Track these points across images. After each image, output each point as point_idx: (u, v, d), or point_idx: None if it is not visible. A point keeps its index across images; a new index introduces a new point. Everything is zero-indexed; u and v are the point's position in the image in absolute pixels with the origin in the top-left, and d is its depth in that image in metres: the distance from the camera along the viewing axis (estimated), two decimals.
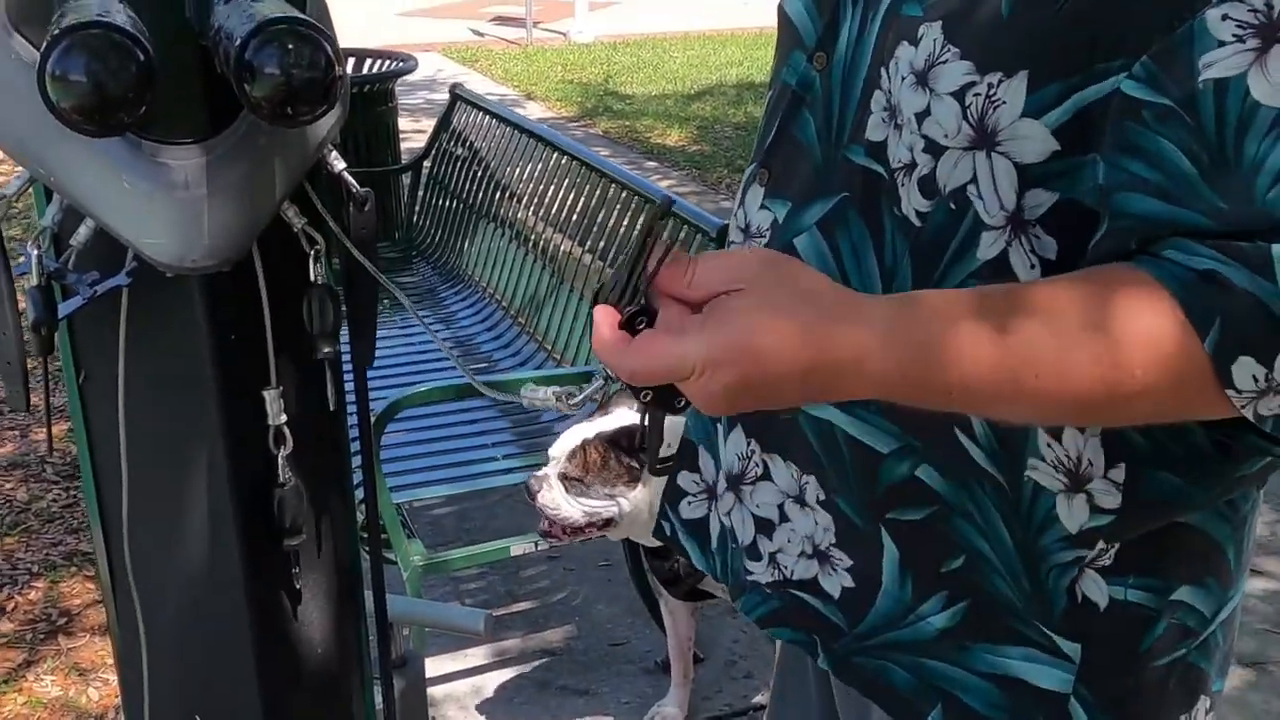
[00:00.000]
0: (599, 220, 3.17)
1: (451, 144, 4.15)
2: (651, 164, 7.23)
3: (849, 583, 1.03)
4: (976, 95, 0.83)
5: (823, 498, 1.03)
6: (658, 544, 2.23)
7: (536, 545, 2.56)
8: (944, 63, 0.85)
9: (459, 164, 4.07)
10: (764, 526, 1.10)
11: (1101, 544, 0.93)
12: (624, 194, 3.08)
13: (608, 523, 2.24)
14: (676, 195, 2.91)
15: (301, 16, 0.77)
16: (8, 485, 3.49)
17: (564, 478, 2.20)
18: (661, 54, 10.52)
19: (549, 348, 3.11)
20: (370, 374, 3.09)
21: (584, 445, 2.21)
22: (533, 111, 8.48)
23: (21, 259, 0.99)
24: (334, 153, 1.08)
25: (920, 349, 0.76)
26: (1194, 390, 0.77)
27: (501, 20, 11.99)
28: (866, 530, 1.01)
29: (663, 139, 7.83)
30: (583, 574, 3.06)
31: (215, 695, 1.16)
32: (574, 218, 3.32)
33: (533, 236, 3.48)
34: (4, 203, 1.01)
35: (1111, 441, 0.89)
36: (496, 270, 3.60)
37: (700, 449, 1.17)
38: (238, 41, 0.76)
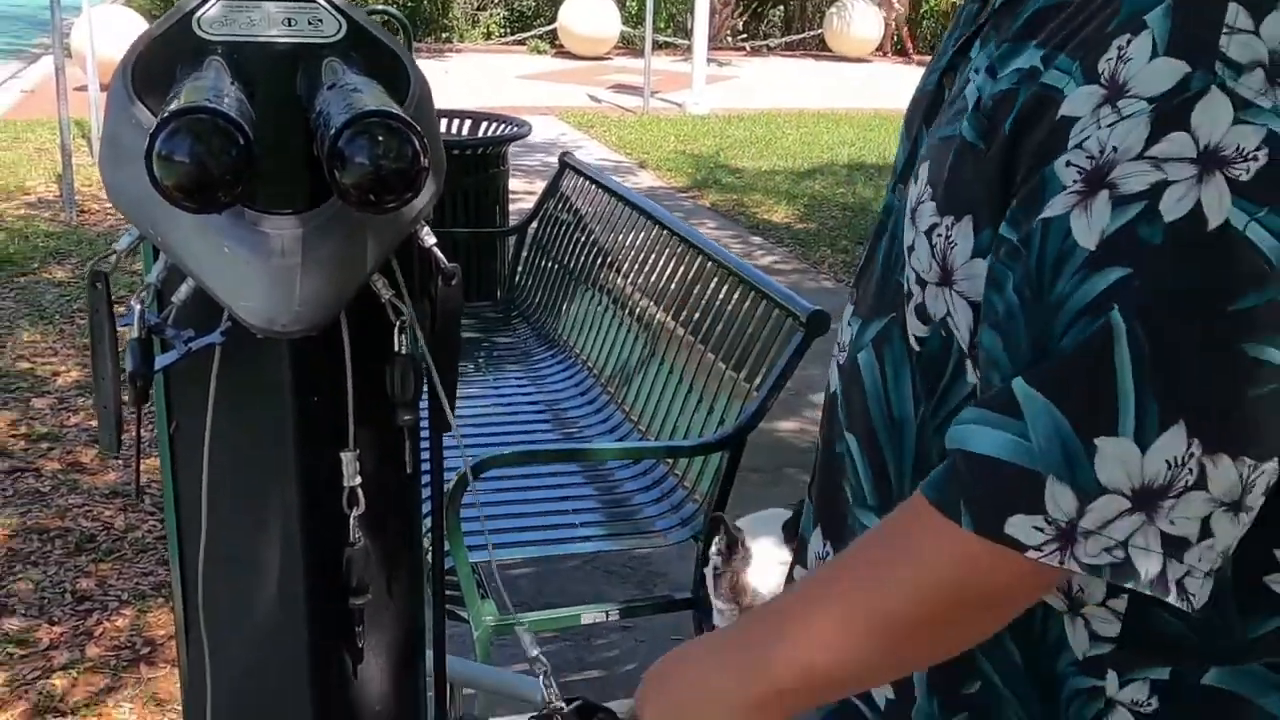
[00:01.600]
0: (694, 294, 3.20)
1: (558, 209, 4.23)
2: (757, 239, 7.27)
3: (891, 695, 1.03)
4: (939, 236, 0.88)
5: None
6: None
7: (608, 615, 2.57)
8: (923, 202, 0.91)
9: (564, 229, 4.14)
10: None
11: (1136, 689, 0.91)
12: (721, 271, 3.10)
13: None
14: (780, 285, 2.92)
15: (395, 111, 0.82)
16: (107, 513, 3.61)
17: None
18: (775, 130, 10.60)
19: (635, 418, 3.13)
20: (449, 438, 3.13)
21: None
22: (644, 180, 8.60)
23: (125, 312, 1.05)
24: (426, 228, 1.12)
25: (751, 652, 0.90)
26: (1000, 572, 0.80)
27: (620, 88, 12.20)
28: None
29: (769, 214, 7.87)
30: (654, 645, 3.05)
31: None
32: (671, 289, 3.36)
33: (629, 305, 3.52)
34: (115, 258, 1.07)
35: None
36: (591, 336, 3.65)
37: (808, 546, 1.20)
38: (333, 130, 0.81)
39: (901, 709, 1.04)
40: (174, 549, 1.20)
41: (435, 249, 1.12)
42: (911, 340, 0.95)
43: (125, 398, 1.07)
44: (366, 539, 1.14)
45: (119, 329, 1.07)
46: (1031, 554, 0.78)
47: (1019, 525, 0.77)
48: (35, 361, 4.75)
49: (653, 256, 3.50)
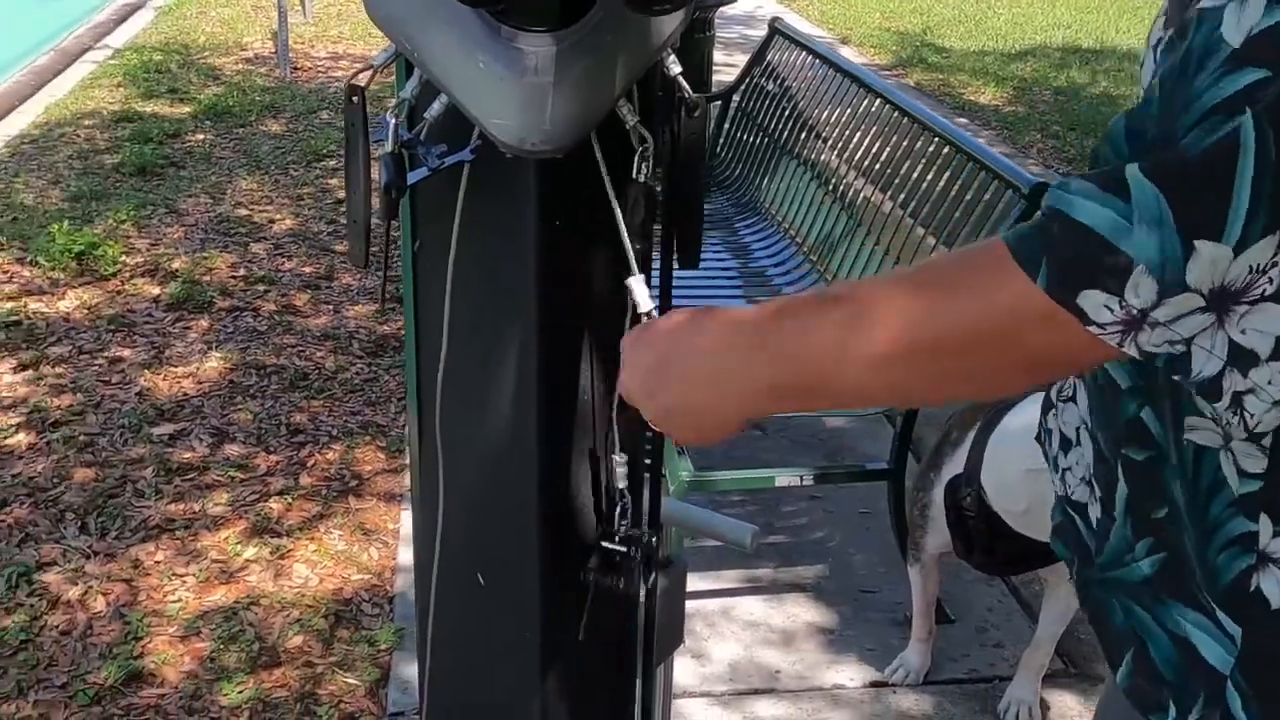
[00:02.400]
0: (903, 170, 3.12)
1: (763, 78, 4.14)
2: (962, 120, 7.02)
3: (1099, 514, 1.05)
4: (1158, 49, 0.86)
5: (1090, 426, 1.06)
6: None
7: (801, 480, 2.58)
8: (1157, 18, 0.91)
9: (768, 99, 4.06)
10: (1065, 444, 1.13)
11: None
12: (933, 144, 3.00)
13: None
14: (1001, 156, 2.81)
15: None
16: (319, 354, 3.78)
17: None
18: (985, 9, 10.14)
19: (829, 280, 3.09)
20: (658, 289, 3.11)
21: None
22: (846, 56, 8.36)
23: (379, 127, 1.07)
24: (672, 56, 1.10)
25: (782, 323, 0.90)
26: (1057, 335, 0.78)
27: None
28: (1110, 464, 1.02)
29: (976, 96, 7.57)
30: (841, 517, 3.05)
31: (500, 559, 1.23)
32: (877, 165, 3.27)
33: (834, 179, 3.45)
34: (371, 72, 1.09)
35: None
36: (793, 207, 3.60)
37: None
38: None
39: (1104, 528, 1.05)
40: (411, 368, 1.24)
41: (680, 78, 1.11)
42: None
43: (374, 212, 1.09)
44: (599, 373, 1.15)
45: (372, 144, 1.10)
46: (1093, 329, 0.77)
47: (1091, 300, 0.76)
48: (253, 209, 4.97)
49: (861, 130, 3.41)
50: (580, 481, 1.21)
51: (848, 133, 3.48)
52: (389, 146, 1.06)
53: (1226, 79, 0.73)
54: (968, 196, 2.75)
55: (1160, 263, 0.74)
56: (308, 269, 4.38)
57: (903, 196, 3.06)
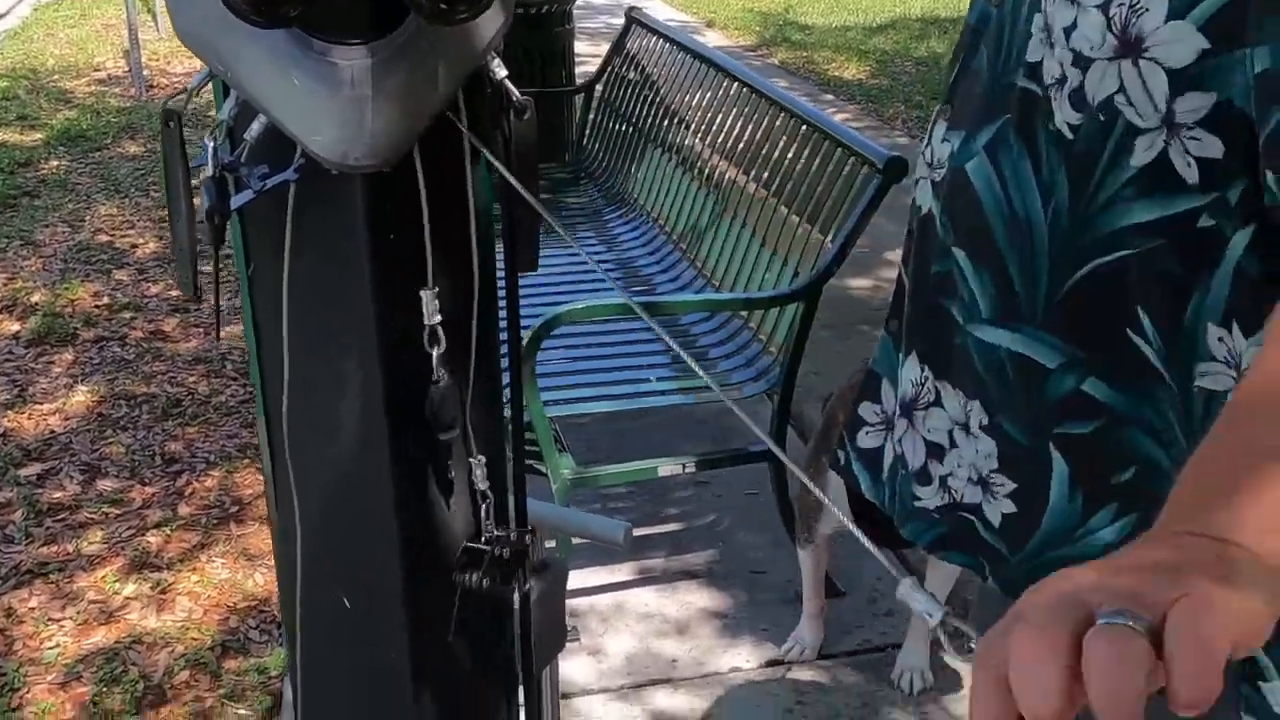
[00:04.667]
0: (765, 149, 3.14)
1: (624, 68, 4.15)
2: (828, 96, 7.11)
3: (1010, 508, 1.05)
4: (1120, 6, 0.85)
5: (985, 422, 1.05)
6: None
7: (684, 468, 2.59)
8: None
9: (631, 88, 4.07)
10: (935, 451, 1.12)
11: None
12: (791, 124, 3.04)
13: None
14: (855, 132, 2.86)
15: None
16: (191, 379, 3.69)
17: None
18: None
19: (708, 274, 3.11)
20: (532, 290, 3.17)
21: None
22: (710, 39, 8.41)
23: (199, 153, 1.04)
24: (497, 60, 1.09)
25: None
26: None
27: None
28: (1032, 449, 1.02)
29: (840, 71, 7.68)
30: (729, 500, 3.07)
31: (362, 579, 1.21)
32: (742, 145, 3.30)
33: (699, 163, 3.47)
34: (185, 96, 1.06)
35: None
36: (661, 195, 3.61)
37: (884, 380, 1.19)
38: None
39: (1028, 519, 1.03)
40: (259, 394, 1.21)
41: (507, 81, 1.10)
42: (1064, 129, 0.92)
43: (201, 239, 1.07)
44: (450, 378, 1.14)
45: (192, 169, 1.07)
46: None
47: None
48: (114, 234, 4.82)
49: (722, 113, 3.44)
50: (439, 491, 1.20)
51: (710, 117, 3.50)
52: (209, 171, 1.03)
53: None
54: (827, 172, 2.79)
55: None
56: (175, 292, 4.27)
57: (765, 176, 3.10)
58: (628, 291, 3.11)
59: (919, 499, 1.14)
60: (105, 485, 3.12)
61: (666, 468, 2.52)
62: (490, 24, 1.05)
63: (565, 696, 2.40)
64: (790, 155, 3.00)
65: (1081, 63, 0.89)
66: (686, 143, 3.60)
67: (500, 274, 1.19)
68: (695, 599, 2.72)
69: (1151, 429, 0.96)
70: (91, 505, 3.03)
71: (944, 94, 1.10)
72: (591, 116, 4.31)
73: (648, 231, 3.59)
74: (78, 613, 2.64)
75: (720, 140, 3.41)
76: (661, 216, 3.56)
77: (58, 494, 3.08)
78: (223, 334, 3.93)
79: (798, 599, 2.67)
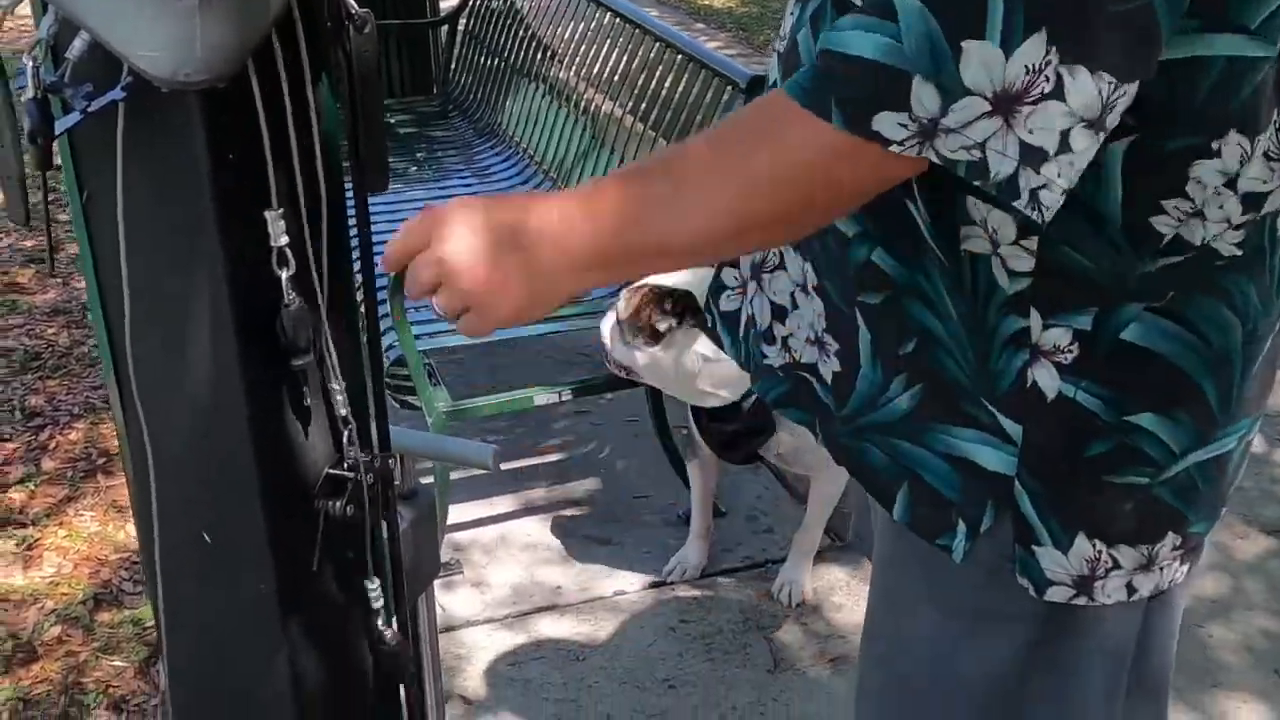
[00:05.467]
0: (639, 82, 3.11)
1: None
2: (699, 25, 7.09)
3: (837, 367, 1.10)
4: None
5: (816, 283, 1.10)
6: (718, 407, 2.24)
7: (560, 396, 2.58)
8: None
9: (497, 19, 4.00)
10: (778, 313, 1.16)
11: (1058, 335, 0.96)
12: (668, 53, 3.01)
13: (629, 369, 2.26)
14: (723, 55, 2.84)
15: None
16: (50, 330, 3.56)
17: (616, 315, 2.24)
18: None
19: None
20: (390, 228, 3.10)
21: (638, 289, 2.21)
22: None
23: (19, 73, 0.99)
24: None
25: (597, 205, 0.94)
26: (863, 163, 0.85)
27: None
28: (846, 314, 1.07)
29: (710, 1, 7.65)
30: (609, 429, 3.08)
31: (222, 514, 1.19)
32: (614, 79, 3.26)
33: (572, 95, 3.42)
34: (0, 12, 1.00)
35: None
36: (534, 128, 3.56)
37: None
38: None
39: (847, 379, 1.10)
40: (100, 328, 1.17)
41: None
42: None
43: (29, 164, 1.02)
44: (301, 300, 1.11)
45: (14, 92, 1.02)
46: (894, 148, 0.83)
47: (885, 121, 0.82)
48: None
49: (594, 46, 3.39)
50: (297, 417, 1.17)
51: (581, 49, 3.45)
52: (30, 92, 0.98)
53: None
54: (695, 96, 2.77)
55: (934, 68, 0.80)
56: (29, 243, 4.10)
57: (633, 105, 3.07)
58: None
59: (766, 357, 1.19)
60: None
61: (542, 397, 2.52)
62: None
63: (449, 629, 2.39)
64: (662, 84, 2.98)
65: None
66: (558, 75, 3.55)
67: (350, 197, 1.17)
68: (578, 527, 2.73)
69: (926, 299, 1.00)
70: None
71: None
72: (457, 50, 4.23)
73: (519, 163, 3.54)
74: None
75: (592, 71, 3.37)
76: (534, 149, 3.52)
77: None
78: (83, 284, 3.79)
79: (680, 521, 2.70)
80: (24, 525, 2.70)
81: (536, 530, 2.71)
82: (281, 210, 1.08)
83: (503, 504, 2.78)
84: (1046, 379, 0.97)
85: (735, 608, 2.47)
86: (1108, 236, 0.92)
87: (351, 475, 1.22)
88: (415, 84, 4.38)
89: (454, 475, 2.64)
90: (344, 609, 1.29)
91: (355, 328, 1.23)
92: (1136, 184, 0.90)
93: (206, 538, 1.20)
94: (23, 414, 3.13)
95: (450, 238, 1.00)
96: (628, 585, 2.54)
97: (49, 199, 1.06)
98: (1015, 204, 0.84)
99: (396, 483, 1.39)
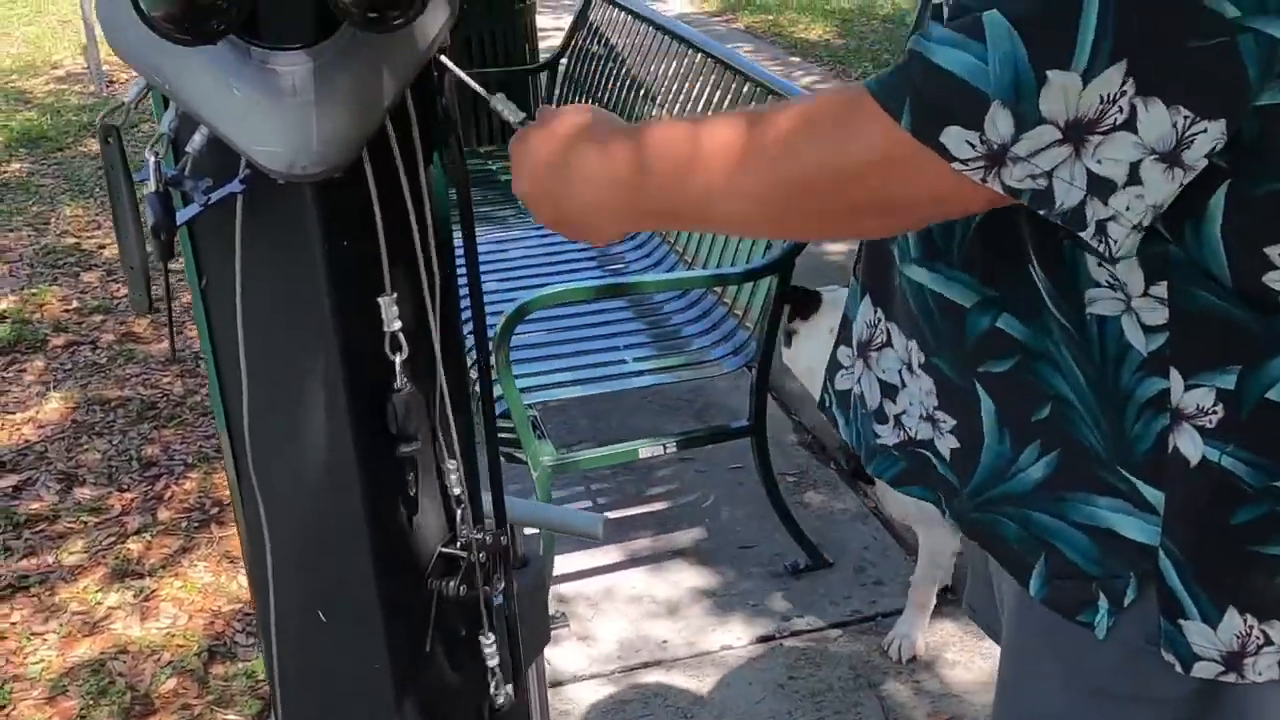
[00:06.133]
0: None
1: (589, 41, 4.10)
2: (795, 59, 7.07)
3: (954, 444, 1.07)
4: None
5: (923, 361, 1.07)
6: None
7: (665, 448, 2.57)
8: None
9: (596, 62, 4.02)
10: (889, 390, 1.14)
11: (1201, 395, 0.92)
12: (760, 91, 2.99)
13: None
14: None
15: None
16: (165, 380, 3.65)
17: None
18: None
19: (680, 250, 3.07)
20: (505, 274, 3.12)
21: None
22: (674, 6, 8.34)
23: (143, 166, 1.01)
24: (443, 57, 1.06)
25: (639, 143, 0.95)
26: (920, 175, 0.83)
27: None
28: (963, 387, 1.04)
29: (806, 33, 7.63)
30: (713, 475, 3.06)
31: (338, 594, 1.19)
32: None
33: None
34: (123, 109, 1.03)
35: (1148, 259, 0.90)
36: None
37: (852, 324, 1.22)
38: None
39: (970, 453, 1.06)
40: (219, 410, 1.18)
41: (449, 75, 1.07)
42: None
43: (151, 254, 1.04)
44: (414, 385, 1.11)
45: (136, 184, 1.04)
46: (957, 165, 0.81)
47: (953, 136, 0.80)
48: (80, 236, 4.76)
49: (688, 84, 3.39)
50: (411, 499, 1.17)
51: (677, 89, 3.45)
52: (152, 186, 1.00)
53: None
54: None
55: (1015, 95, 0.78)
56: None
57: None
58: (599, 274, 3.09)
59: (879, 437, 1.16)
60: (83, 493, 3.09)
61: (647, 449, 2.50)
62: (434, 20, 1.02)
63: (556, 685, 2.38)
64: None
65: None
66: (655, 116, 3.56)
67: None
68: (684, 578, 2.70)
69: (1055, 363, 0.97)
70: (70, 514, 2.99)
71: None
72: (558, 93, 4.26)
73: None
74: (61, 625, 2.61)
75: (688, 111, 3.36)
76: None
77: (35, 505, 3.04)
78: (180, 345, 3.88)
79: (787, 573, 2.67)
80: (141, 576, 2.76)
81: (642, 582, 2.69)
82: (395, 295, 1.08)
83: (607, 555, 2.77)
84: (1189, 444, 0.94)
85: (845, 663, 2.43)
86: (1229, 287, 0.89)
87: (464, 555, 1.22)
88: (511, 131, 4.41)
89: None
90: (457, 681, 1.28)
91: (467, 402, 1.23)
92: (1239, 232, 0.87)
93: (322, 616, 1.21)
94: (139, 464, 3.20)
95: (518, 169, 1.06)
96: (734, 639, 2.50)
97: (170, 286, 1.08)
98: (1081, 234, 0.82)
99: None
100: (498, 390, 2.37)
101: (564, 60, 4.25)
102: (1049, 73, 0.77)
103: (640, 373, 2.64)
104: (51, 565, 2.81)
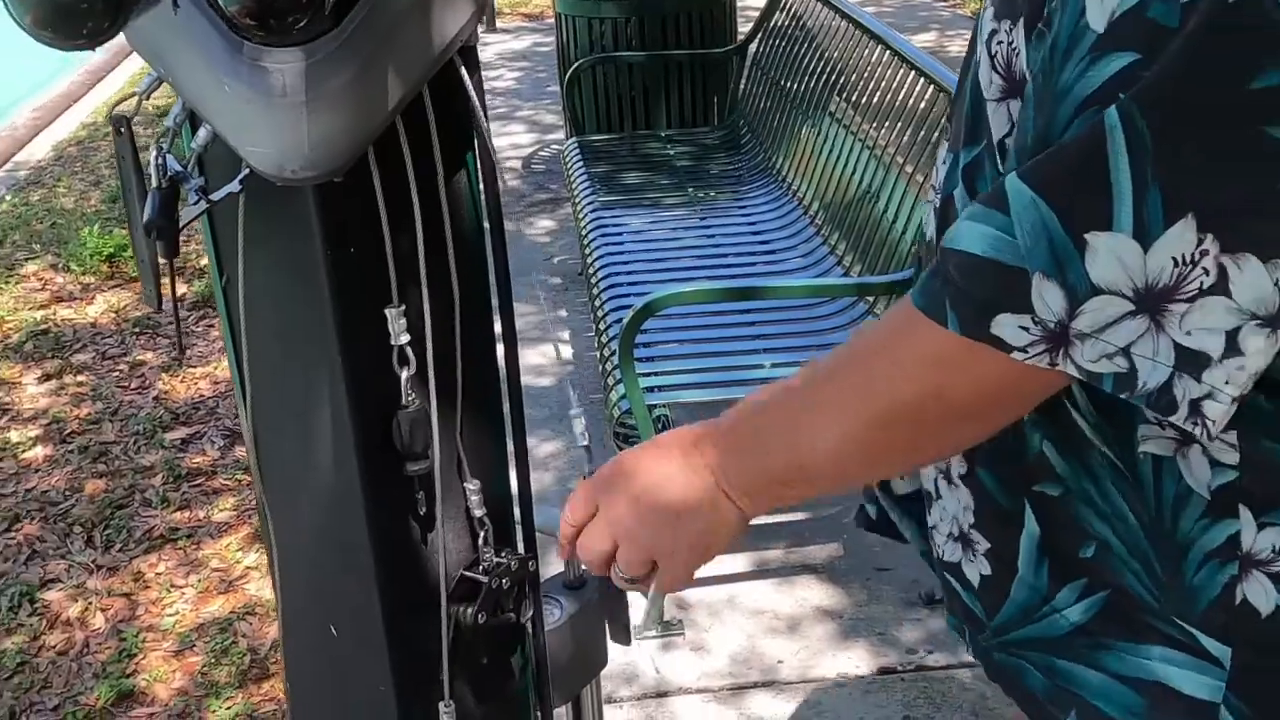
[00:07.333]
0: (926, 123, 2.92)
1: (788, 23, 3.94)
2: None
3: (986, 569, 0.96)
4: (999, 43, 0.80)
5: (964, 471, 0.95)
6: None
7: None
8: (985, 10, 0.86)
9: (788, 42, 3.87)
10: (927, 499, 1.04)
11: (1272, 538, 0.80)
12: (943, 98, 2.80)
13: None
14: None
15: None
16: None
17: None
18: None
19: (839, 253, 2.94)
20: (640, 267, 3.01)
21: None
22: None
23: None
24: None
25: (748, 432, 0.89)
26: (982, 373, 0.75)
27: None
28: (1008, 507, 0.92)
29: None
30: (855, 491, 2.91)
31: (345, 608, 1.15)
32: (900, 119, 3.07)
33: (855, 132, 3.26)
34: (135, 100, 1.00)
35: None
36: (807, 167, 3.43)
37: None
38: None
39: (1000, 584, 0.95)
40: (243, 407, 1.15)
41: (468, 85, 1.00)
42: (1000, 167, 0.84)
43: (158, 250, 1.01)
44: (422, 401, 1.06)
45: (147, 178, 1.01)
46: (1017, 355, 0.73)
47: (1005, 325, 0.72)
48: None
49: (884, 80, 3.20)
50: (422, 517, 1.12)
51: (869, 85, 3.25)
52: (154, 181, 0.97)
53: (1094, 68, 0.69)
54: None
55: (1055, 265, 0.70)
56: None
57: (924, 155, 2.87)
58: (754, 270, 2.98)
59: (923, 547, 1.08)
60: (242, 452, 3.19)
61: None
62: (453, 16, 0.96)
63: (661, 695, 2.32)
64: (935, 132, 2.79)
65: (981, 104, 0.84)
66: (844, 112, 3.39)
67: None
68: (811, 595, 2.59)
69: (1095, 506, 0.86)
70: (227, 472, 3.10)
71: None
72: (744, 81, 4.15)
73: (786, 205, 3.42)
74: (199, 580, 2.70)
75: (872, 103, 3.19)
76: (802, 191, 3.40)
77: (198, 459, 3.16)
78: None
79: (922, 601, 2.52)
80: None
81: (766, 595, 2.59)
82: (403, 307, 1.03)
83: (735, 563, 2.68)
84: (1259, 594, 0.81)
85: (966, 707, 2.27)
86: None
87: (485, 580, 1.16)
88: (700, 114, 4.33)
89: None
90: (479, 714, 1.23)
91: (494, 420, 1.17)
92: None
93: (334, 630, 1.17)
94: None
95: (615, 501, 0.95)
96: (853, 668, 2.38)
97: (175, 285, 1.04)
98: (1172, 419, 0.70)
99: (545, 578, 1.32)
100: (620, 390, 2.31)
101: (754, 44, 4.13)
102: (1087, 236, 0.68)
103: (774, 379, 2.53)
104: (202, 520, 2.91)
